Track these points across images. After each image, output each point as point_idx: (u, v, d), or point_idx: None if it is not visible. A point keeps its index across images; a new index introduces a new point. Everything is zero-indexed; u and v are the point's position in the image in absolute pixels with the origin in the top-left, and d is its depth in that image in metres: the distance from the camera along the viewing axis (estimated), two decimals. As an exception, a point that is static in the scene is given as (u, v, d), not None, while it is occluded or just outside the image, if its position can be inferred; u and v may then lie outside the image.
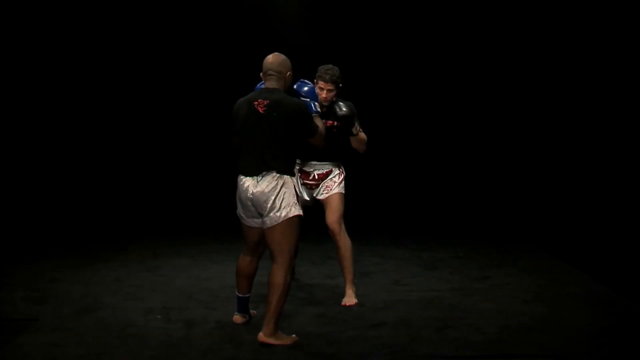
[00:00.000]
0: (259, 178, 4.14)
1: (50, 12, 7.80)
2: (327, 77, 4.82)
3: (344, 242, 5.01)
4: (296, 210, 4.16)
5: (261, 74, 4.31)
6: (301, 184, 5.06)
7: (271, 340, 4.13)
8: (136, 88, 8.19)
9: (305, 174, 5.08)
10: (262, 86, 4.32)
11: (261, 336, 4.14)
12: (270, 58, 4.27)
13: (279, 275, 4.12)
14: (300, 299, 5.08)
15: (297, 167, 5.07)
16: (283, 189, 4.13)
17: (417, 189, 8.28)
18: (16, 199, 7.66)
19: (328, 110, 4.88)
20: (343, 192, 5.09)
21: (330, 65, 4.90)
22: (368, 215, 7.89)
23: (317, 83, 4.86)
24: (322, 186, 5.09)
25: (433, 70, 8.19)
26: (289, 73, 4.28)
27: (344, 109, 4.88)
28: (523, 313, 4.72)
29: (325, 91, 4.83)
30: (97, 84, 8.16)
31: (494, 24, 7.95)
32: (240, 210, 4.30)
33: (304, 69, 5.00)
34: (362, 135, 5.02)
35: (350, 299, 4.99)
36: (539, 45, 7.73)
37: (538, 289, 5.30)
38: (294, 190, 4.18)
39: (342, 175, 5.13)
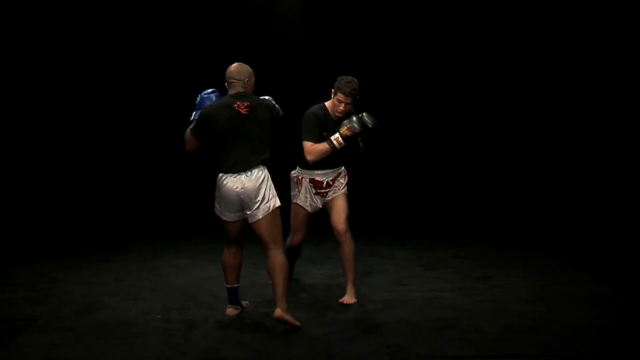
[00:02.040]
0: (248, 173, 4.44)
1: (50, 12, 7.80)
2: (348, 90, 4.85)
3: (349, 242, 5.02)
4: (278, 201, 4.53)
5: (225, 83, 4.60)
6: (314, 195, 5.07)
7: (287, 317, 4.37)
8: (136, 88, 8.18)
9: (317, 183, 5.08)
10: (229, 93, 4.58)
11: (279, 311, 4.35)
12: (232, 67, 4.59)
13: (279, 256, 4.44)
14: (300, 299, 5.09)
15: (308, 177, 5.06)
16: (268, 182, 4.49)
17: (418, 189, 8.27)
18: (16, 199, 7.66)
19: (342, 120, 4.92)
20: (347, 193, 5.14)
21: (351, 78, 4.89)
22: (369, 215, 7.88)
23: (335, 93, 4.90)
24: (330, 190, 5.12)
25: (434, 71, 8.18)
26: (247, 79, 4.57)
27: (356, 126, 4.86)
28: (523, 313, 4.72)
29: (344, 105, 4.87)
30: (98, 85, 8.15)
31: (494, 24, 7.94)
32: (221, 209, 4.55)
33: (302, 68, 5.03)
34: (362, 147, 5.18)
35: (349, 298, 5.01)
36: (539, 45, 7.73)
37: (538, 289, 5.30)
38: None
39: (346, 176, 5.17)
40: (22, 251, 6.56)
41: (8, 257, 6.31)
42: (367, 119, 4.88)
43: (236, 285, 4.75)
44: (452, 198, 8.24)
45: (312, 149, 4.84)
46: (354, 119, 4.83)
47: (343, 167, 5.17)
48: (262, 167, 4.47)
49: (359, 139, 5.03)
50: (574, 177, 7.36)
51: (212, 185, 4.66)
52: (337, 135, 4.81)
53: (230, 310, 4.76)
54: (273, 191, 4.50)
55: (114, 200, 8.20)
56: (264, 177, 4.46)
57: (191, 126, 4.59)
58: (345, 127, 4.81)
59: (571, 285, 5.38)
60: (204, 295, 5.18)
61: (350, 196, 5.20)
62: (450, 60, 8.16)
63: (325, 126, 4.91)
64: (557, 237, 6.74)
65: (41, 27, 7.80)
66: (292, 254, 5.16)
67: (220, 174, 4.50)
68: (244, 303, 4.85)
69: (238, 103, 4.47)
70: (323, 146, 4.83)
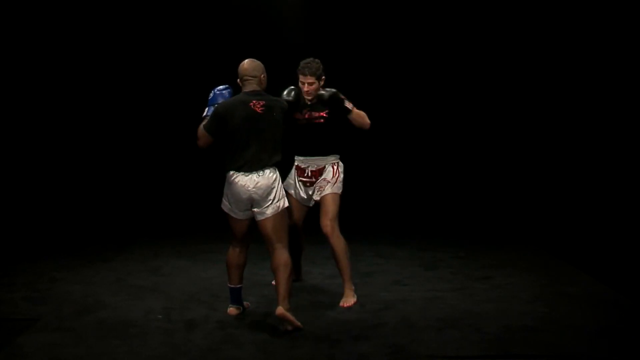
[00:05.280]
0: (261, 172, 4.47)
1: (50, 12, 7.79)
2: (306, 70, 4.87)
3: (338, 243, 5.00)
4: (286, 201, 4.62)
5: (238, 80, 4.57)
6: (298, 181, 5.10)
7: (288, 315, 4.37)
8: (136, 88, 8.18)
9: (300, 170, 5.12)
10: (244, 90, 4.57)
11: (280, 309, 4.36)
12: (245, 64, 4.57)
13: (284, 256, 4.50)
14: (300, 299, 5.08)
15: (295, 163, 5.12)
16: (279, 181, 4.57)
17: (418, 189, 8.27)
18: (16, 199, 7.66)
19: (315, 103, 4.91)
20: (338, 192, 5.06)
21: (311, 59, 4.93)
22: (369, 215, 7.89)
23: (298, 78, 4.93)
24: (315, 186, 5.09)
25: (433, 70, 8.18)
26: (262, 75, 4.57)
27: (325, 93, 4.86)
28: (524, 313, 4.71)
29: (305, 84, 4.88)
30: (97, 85, 8.14)
31: (494, 24, 7.94)
32: (231, 206, 4.54)
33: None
34: (357, 110, 4.99)
35: (348, 299, 5.00)
36: (539, 45, 7.73)
37: (539, 288, 5.30)
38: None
39: (338, 173, 5.08)
40: (22, 251, 6.56)
41: (8, 257, 6.31)
42: (323, 95, 4.87)
43: (239, 286, 4.76)
44: (453, 198, 8.24)
45: None
46: (292, 91, 4.83)
47: (334, 160, 5.10)
48: (273, 168, 4.52)
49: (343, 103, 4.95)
50: (573, 177, 7.36)
51: (213, 185, 4.67)
52: None
53: (232, 310, 4.77)
54: (283, 192, 4.58)
55: (115, 200, 8.19)
56: (276, 177, 4.52)
57: (204, 122, 4.57)
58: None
59: (571, 285, 5.38)
60: (205, 295, 5.18)
61: (352, 196, 5.19)
62: (452, 61, 8.16)
63: (295, 109, 4.92)
64: (557, 237, 6.74)
65: (41, 27, 7.80)
66: (292, 248, 4.95)
67: (231, 172, 4.50)
68: (245, 303, 4.86)
69: (254, 101, 4.48)
70: None
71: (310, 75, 4.86)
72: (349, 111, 4.93)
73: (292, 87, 4.90)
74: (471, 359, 4.02)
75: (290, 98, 4.82)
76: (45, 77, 7.93)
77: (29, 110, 7.89)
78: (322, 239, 5.11)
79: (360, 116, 4.99)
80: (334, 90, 4.89)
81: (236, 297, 4.78)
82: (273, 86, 4.74)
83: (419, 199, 8.25)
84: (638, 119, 6.66)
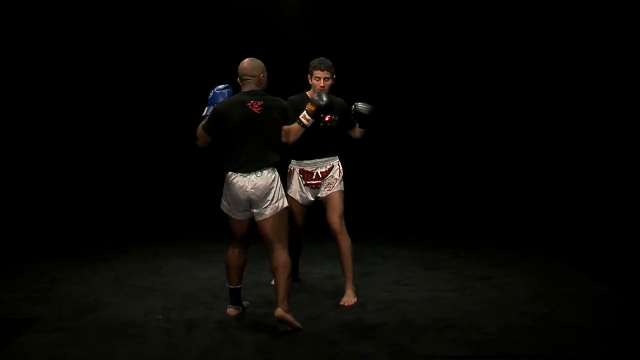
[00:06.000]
0: (259, 173, 4.42)
1: (50, 12, 7.80)
2: (322, 66, 4.93)
3: (345, 241, 5.04)
4: (286, 201, 4.59)
5: (238, 79, 4.57)
6: (304, 185, 5.09)
7: (288, 317, 4.38)
8: (136, 89, 8.18)
9: (307, 174, 5.09)
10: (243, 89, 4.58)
11: (279, 311, 4.36)
12: (245, 63, 4.56)
13: (284, 256, 4.47)
14: (300, 299, 5.08)
15: (298, 168, 5.10)
16: (278, 182, 4.52)
17: (418, 189, 8.27)
18: (16, 199, 7.66)
19: (331, 106, 4.91)
20: (343, 189, 5.14)
21: (322, 57, 4.99)
22: (369, 215, 7.89)
23: (312, 76, 4.96)
24: (323, 184, 5.11)
25: (433, 70, 8.18)
26: (262, 75, 4.55)
27: (364, 105, 5.05)
28: (524, 313, 4.72)
29: (322, 80, 4.92)
30: (97, 85, 8.15)
31: (494, 24, 7.94)
32: (230, 207, 4.54)
33: (304, 69, 5.05)
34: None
35: (349, 299, 5.01)
36: (539, 45, 7.73)
37: (539, 289, 5.30)
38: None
39: (341, 171, 5.15)
40: (22, 251, 6.56)
41: (8, 257, 6.31)
42: (361, 106, 5.02)
43: (239, 287, 4.76)
44: (453, 198, 8.24)
45: (286, 130, 4.68)
46: (323, 95, 4.71)
47: (337, 159, 5.15)
48: (272, 168, 4.49)
49: (358, 123, 5.13)
50: (573, 177, 7.36)
51: (213, 185, 4.66)
52: (303, 112, 4.69)
53: (231, 310, 4.78)
54: (282, 192, 4.54)
55: (115, 200, 8.20)
56: (274, 177, 4.49)
57: (203, 122, 4.57)
58: (309, 103, 4.71)
59: (571, 285, 5.38)
60: (204, 295, 5.18)
61: (351, 196, 5.19)
62: (451, 61, 8.16)
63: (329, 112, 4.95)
64: (557, 237, 6.74)
65: (41, 27, 7.80)
66: (292, 248, 4.98)
67: (230, 173, 4.49)
68: (244, 303, 4.87)
69: (252, 102, 4.47)
70: (295, 126, 4.68)
71: (327, 70, 4.93)
72: (355, 126, 5.17)
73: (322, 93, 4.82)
74: (471, 359, 4.02)
75: (326, 101, 4.68)
76: (45, 78, 7.93)
77: (30, 111, 7.89)
78: (321, 239, 5.12)
79: (362, 132, 5.23)
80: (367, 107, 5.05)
81: (236, 297, 4.78)
82: (273, 86, 4.74)
83: (419, 199, 8.25)
84: (638, 119, 6.66)
